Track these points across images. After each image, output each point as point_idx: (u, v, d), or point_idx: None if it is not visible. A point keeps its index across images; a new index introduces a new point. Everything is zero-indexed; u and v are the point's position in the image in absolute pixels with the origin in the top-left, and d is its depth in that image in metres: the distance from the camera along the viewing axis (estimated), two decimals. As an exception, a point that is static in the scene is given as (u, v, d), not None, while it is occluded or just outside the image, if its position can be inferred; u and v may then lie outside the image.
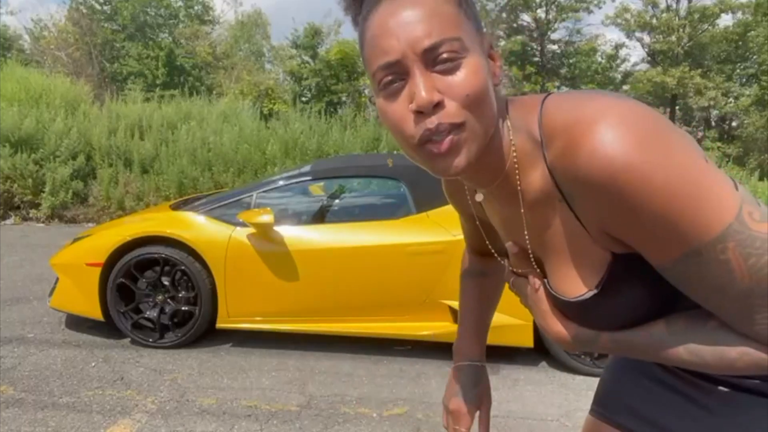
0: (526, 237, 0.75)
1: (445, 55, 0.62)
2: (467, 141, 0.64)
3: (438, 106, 0.62)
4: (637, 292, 0.67)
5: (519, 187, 0.71)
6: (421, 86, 0.62)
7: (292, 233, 3.34)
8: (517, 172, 0.70)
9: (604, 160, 0.57)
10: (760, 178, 11.40)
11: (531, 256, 0.78)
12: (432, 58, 0.62)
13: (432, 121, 0.62)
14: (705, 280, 0.59)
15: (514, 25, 26.38)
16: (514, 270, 0.82)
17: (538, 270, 0.78)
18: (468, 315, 1.09)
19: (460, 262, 1.17)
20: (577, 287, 0.70)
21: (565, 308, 0.74)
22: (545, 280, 0.76)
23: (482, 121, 0.65)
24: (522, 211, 0.73)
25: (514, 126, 0.70)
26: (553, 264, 0.73)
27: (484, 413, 1.05)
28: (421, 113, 0.63)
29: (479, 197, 0.80)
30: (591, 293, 0.68)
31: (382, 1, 0.65)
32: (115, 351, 3.38)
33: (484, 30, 0.70)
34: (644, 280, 0.66)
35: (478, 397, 1.06)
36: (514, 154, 0.70)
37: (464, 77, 0.62)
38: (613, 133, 0.57)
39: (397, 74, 0.64)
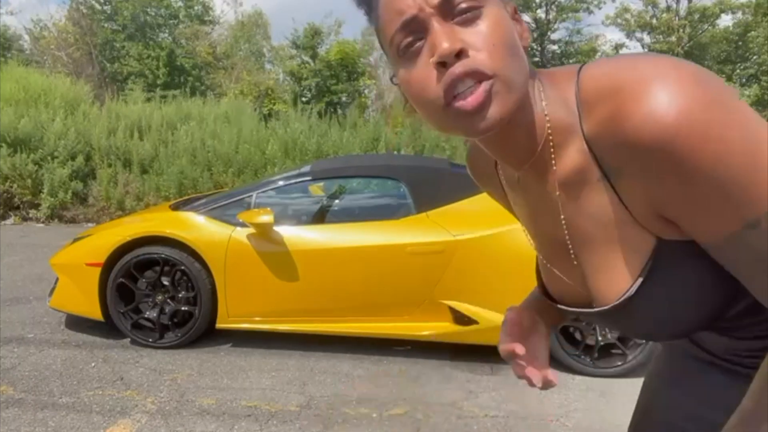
0: (563, 221, 0.68)
1: (463, 5, 0.58)
2: (500, 92, 0.58)
3: (461, 54, 0.57)
4: (685, 282, 0.62)
5: (554, 165, 0.65)
6: (443, 36, 0.57)
7: (292, 233, 3.34)
8: (551, 146, 0.64)
9: (659, 123, 0.52)
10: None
11: (569, 244, 0.70)
12: (449, 9, 0.58)
13: (456, 68, 0.57)
14: (761, 255, 0.54)
15: (515, 25, 26.34)
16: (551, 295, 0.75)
17: (575, 262, 0.71)
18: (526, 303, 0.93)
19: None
20: (618, 281, 0.65)
21: (610, 320, 0.69)
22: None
23: (514, 75, 0.59)
24: (557, 193, 0.66)
25: (548, 97, 0.64)
26: (590, 255, 0.68)
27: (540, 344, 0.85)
28: (443, 65, 0.58)
29: (508, 188, 0.75)
30: (635, 286, 0.63)
31: None
32: (115, 351, 3.38)
33: None
34: (693, 268, 0.61)
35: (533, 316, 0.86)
36: (548, 128, 0.64)
37: (487, 26, 0.58)
38: (669, 93, 0.52)
39: (414, 33, 0.60)
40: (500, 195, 0.84)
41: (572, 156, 0.63)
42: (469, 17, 0.58)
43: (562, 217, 0.68)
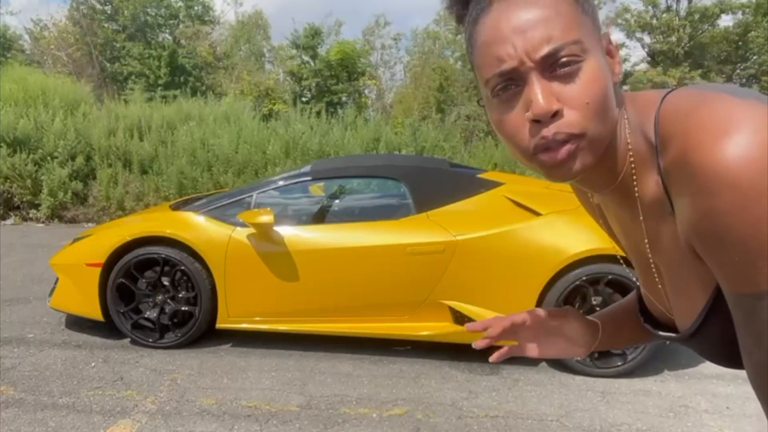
0: (647, 244, 0.70)
1: (564, 59, 0.58)
2: (584, 150, 0.61)
3: (556, 115, 0.59)
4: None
5: (636, 194, 0.66)
6: (539, 94, 0.58)
7: (292, 233, 3.34)
8: (634, 176, 0.65)
9: (716, 169, 0.52)
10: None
11: (653, 266, 0.72)
12: (550, 63, 0.59)
13: (549, 130, 0.59)
14: (761, 328, 0.54)
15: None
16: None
17: (660, 286, 0.73)
18: (608, 309, 0.99)
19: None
20: (691, 312, 0.66)
21: (691, 347, 0.71)
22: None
23: (601, 129, 0.61)
24: (641, 218, 0.68)
25: (632, 126, 0.65)
26: (669, 279, 0.69)
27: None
28: (537, 122, 0.60)
29: (596, 200, 0.77)
30: (699, 319, 0.65)
31: (494, 1, 0.61)
32: (115, 351, 3.38)
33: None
34: None
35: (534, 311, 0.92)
36: (631, 157, 0.65)
37: (584, 84, 0.59)
38: (736, 148, 0.51)
39: (512, 80, 0.61)
40: (597, 213, 0.85)
41: (651, 186, 0.64)
42: (568, 72, 0.59)
43: (646, 240, 0.69)
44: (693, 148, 0.54)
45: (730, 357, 0.66)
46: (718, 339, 0.65)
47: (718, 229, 0.53)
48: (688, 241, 0.59)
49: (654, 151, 0.62)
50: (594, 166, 0.64)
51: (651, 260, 0.72)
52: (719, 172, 0.52)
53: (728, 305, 0.58)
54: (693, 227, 0.57)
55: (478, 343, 0.90)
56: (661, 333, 0.77)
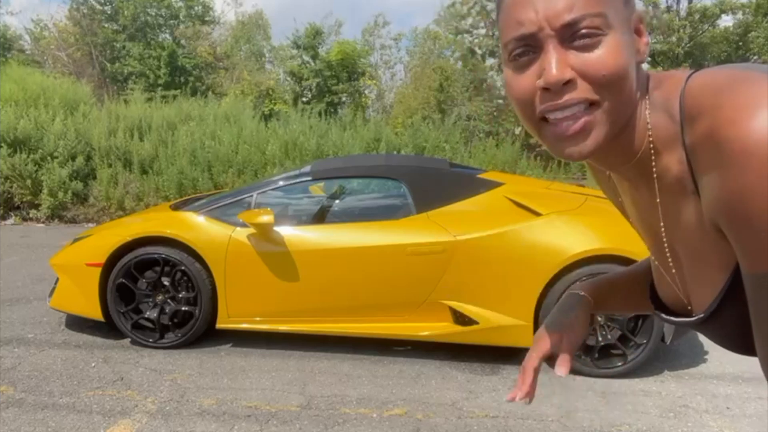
0: (662, 228, 0.69)
1: (584, 31, 0.57)
2: (599, 123, 0.60)
3: (569, 84, 0.58)
4: None
5: (654, 174, 0.65)
6: (553, 62, 0.58)
7: (292, 233, 3.34)
8: (652, 156, 0.64)
9: (747, 143, 0.51)
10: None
11: (667, 250, 0.71)
12: (570, 33, 0.58)
13: (562, 98, 0.59)
14: None
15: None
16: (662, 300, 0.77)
17: (674, 270, 0.72)
18: (613, 274, 0.99)
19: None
20: (706, 294, 0.65)
21: (705, 332, 0.69)
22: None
23: (619, 104, 0.60)
24: (657, 200, 0.67)
25: (653, 105, 0.64)
26: (687, 260, 0.68)
27: (566, 342, 0.90)
28: (548, 90, 0.59)
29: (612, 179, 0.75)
30: (716, 302, 0.63)
31: None
32: (115, 351, 3.38)
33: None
34: None
35: (563, 324, 0.91)
36: (650, 137, 0.64)
37: (602, 56, 0.58)
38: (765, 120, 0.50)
39: (529, 47, 0.60)
40: (613, 192, 0.84)
41: (673, 165, 0.62)
42: (587, 43, 0.58)
43: (662, 223, 0.68)
44: (723, 124, 0.53)
45: (744, 343, 0.65)
46: (734, 323, 0.64)
47: (746, 204, 0.52)
48: (712, 219, 0.58)
49: (679, 127, 0.60)
50: (608, 146, 0.63)
51: (665, 242, 0.71)
52: (749, 146, 0.51)
53: (746, 288, 0.57)
54: (719, 203, 0.55)
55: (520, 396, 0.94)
56: (674, 318, 0.76)
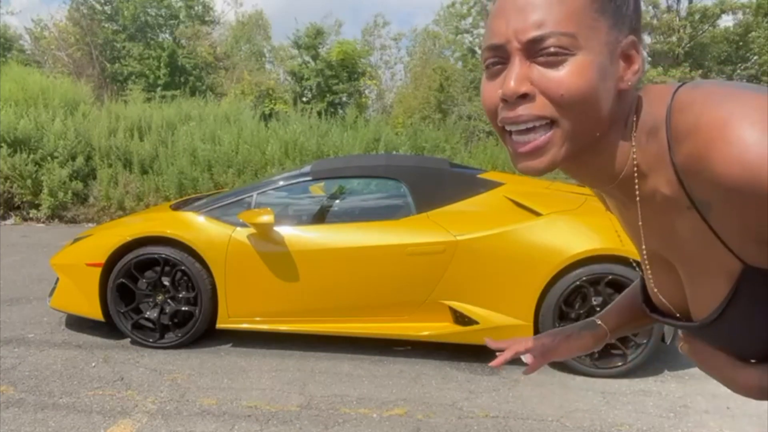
0: (644, 250, 0.70)
1: (551, 49, 0.58)
2: (556, 143, 0.60)
3: (525, 97, 0.59)
4: (765, 309, 0.62)
5: (637, 197, 0.65)
6: (513, 75, 0.59)
7: (292, 233, 3.34)
8: (636, 180, 0.64)
9: (745, 165, 0.50)
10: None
11: (648, 267, 0.73)
12: (536, 49, 0.59)
13: (516, 111, 0.60)
14: None
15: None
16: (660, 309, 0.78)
17: (653, 285, 0.74)
18: (619, 299, 1.03)
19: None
20: (707, 302, 0.65)
21: (704, 337, 0.71)
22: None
23: (580, 126, 0.60)
24: (640, 223, 0.67)
25: (642, 127, 0.64)
26: (686, 271, 0.68)
27: (552, 349, 1.00)
28: (506, 101, 0.60)
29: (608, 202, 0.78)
30: (720, 308, 0.64)
31: None
32: (115, 351, 3.38)
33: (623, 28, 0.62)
34: None
35: (564, 332, 1.01)
36: (635, 160, 0.64)
37: (564, 75, 0.58)
38: (750, 133, 0.50)
39: (499, 57, 0.62)
40: (604, 200, 0.85)
41: (662, 184, 0.62)
42: (552, 60, 0.59)
43: (644, 246, 0.70)
44: (711, 146, 0.53)
45: (743, 347, 0.66)
46: (737, 327, 0.65)
47: None
48: (747, 236, 0.57)
49: (666, 148, 0.60)
50: (581, 164, 0.64)
51: (646, 260, 0.73)
52: (751, 164, 0.50)
53: None
54: (753, 223, 0.54)
55: (493, 363, 1.02)
56: (675, 322, 0.76)
